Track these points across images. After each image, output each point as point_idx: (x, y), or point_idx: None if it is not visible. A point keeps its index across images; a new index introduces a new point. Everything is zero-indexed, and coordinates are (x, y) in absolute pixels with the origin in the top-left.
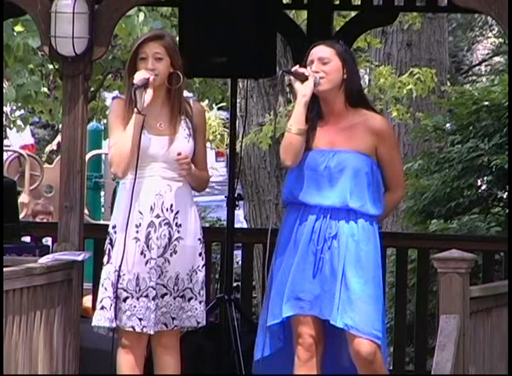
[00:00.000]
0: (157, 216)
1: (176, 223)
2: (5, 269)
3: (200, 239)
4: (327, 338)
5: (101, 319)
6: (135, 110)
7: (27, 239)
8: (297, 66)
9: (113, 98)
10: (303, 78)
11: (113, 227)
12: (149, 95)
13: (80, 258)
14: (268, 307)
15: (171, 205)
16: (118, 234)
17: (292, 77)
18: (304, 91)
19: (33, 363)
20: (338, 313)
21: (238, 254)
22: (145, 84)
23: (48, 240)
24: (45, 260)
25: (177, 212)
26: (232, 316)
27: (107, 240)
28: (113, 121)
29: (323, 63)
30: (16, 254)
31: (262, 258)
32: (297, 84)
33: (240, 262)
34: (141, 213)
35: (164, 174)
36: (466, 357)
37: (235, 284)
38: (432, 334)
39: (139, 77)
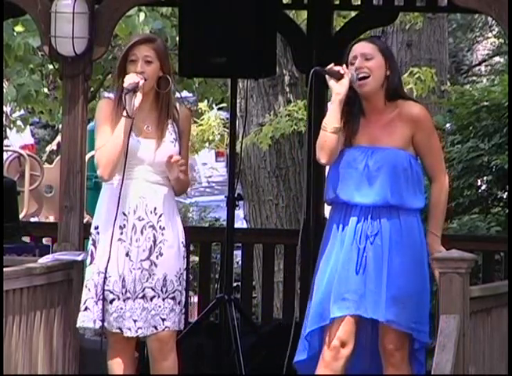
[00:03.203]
0: (141, 219)
1: (160, 226)
2: (5, 269)
3: (183, 242)
4: (361, 339)
5: (85, 320)
6: (124, 113)
7: (27, 239)
8: (332, 64)
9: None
10: (338, 76)
11: (96, 228)
12: (138, 98)
13: (80, 258)
14: (314, 308)
15: (155, 208)
16: (101, 235)
17: (327, 76)
18: (338, 89)
19: (33, 363)
20: (383, 310)
21: (238, 254)
22: (134, 88)
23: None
24: (45, 260)
25: (160, 215)
26: (232, 316)
27: (90, 241)
28: (101, 122)
29: (366, 59)
30: (16, 254)
31: (262, 259)
32: (331, 83)
33: (240, 262)
34: (124, 215)
35: (149, 177)
36: (466, 357)
37: (235, 284)
38: (432, 334)
39: (129, 80)
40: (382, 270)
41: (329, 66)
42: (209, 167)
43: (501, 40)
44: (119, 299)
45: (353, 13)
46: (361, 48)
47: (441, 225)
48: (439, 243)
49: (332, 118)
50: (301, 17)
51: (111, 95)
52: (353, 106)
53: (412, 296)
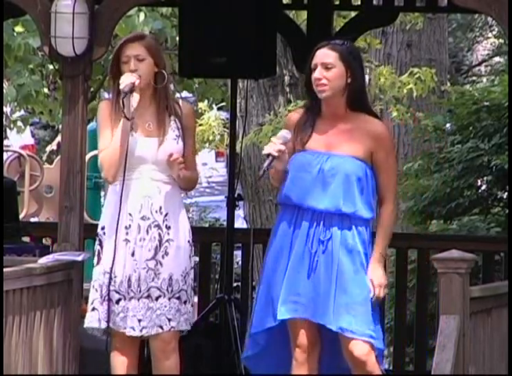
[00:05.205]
0: (146, 218)
1: (166, 225)
2: (5, 269)
3: (189, 241)
4: (324, 339)
5: (92, 320)
6: (123, 115)
7: (27, 239)
8: (265, 164)
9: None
10: (276, 159)
11: (102, 229)
12: (135, 99)
13: (80, 258)
14: (263, 308)
15: (160, 207)
16: (107, 235)
17: (271, 165)
18: (281, 166)
19: (33, 364)
20: (333, 317)
21: (238, 255)
22: (131, 89)
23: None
24: (45, 260)
25: (166, 214)
26: (232, 316)
27: (96, 242)
28: (101, 124)
29: (326, 69)
30: (16, 254)
31: (262, 259)
32: (274, 164)
33: (240, 262)
34: (130, 215)
35: (153, 176)
36: (466, 357)
37: (235, 284)
38: (432, 335)
39: (125, 82)
40: (332, 276)
41: (266, 164)
42: (209, 167)
43: (501, 40)
44: (125, 299)
45: (353, 13)
46: (322, 56)
47: (386, 248)
48: (383, 263)
49: (281, 179)
50: (301, 17)
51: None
52: (313, 108)
53: (363, 303)
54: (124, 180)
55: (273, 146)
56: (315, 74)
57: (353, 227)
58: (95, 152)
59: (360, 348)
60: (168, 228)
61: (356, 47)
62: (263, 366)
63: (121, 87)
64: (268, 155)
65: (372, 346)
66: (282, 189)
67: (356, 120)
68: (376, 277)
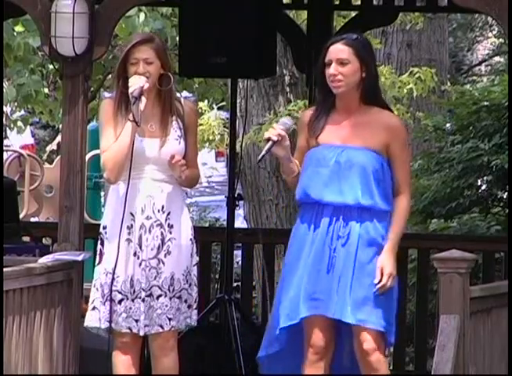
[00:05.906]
0: (149, 218)
1: (168, 224)
2: (5, 269)
3: (191, 239)
4: (339, 338)
5: (92, 319)
6: (131, 118)
7: (27, 239)
8: (268, 145)
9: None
10: (276, 143)
11: (104, 228)
12: (143, 103)
13: (80, 258)
14: (283, 306)
15: (163, 206)
16: (109, 235)
17: (270, 151)
18: (281, 152)
19: (33, 364)
20: (350, 311)
21: (238, 254)
22: (140, 94)
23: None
24: (45, 260)
25: (168, 213)
26: (232, 316)
27: (98, 241)
28: (104, 123)
29: (341, 64)
30: (16, 254)
31: (263, 258)
32: (275, 151)
33: (240, 262)
34: (132, 215)
35: (155, 176)
36: (466, 357)
37: (235, 284)
38: (432, 334)
39: (134, 87)
40: (350, 270)
41: (266, 148)
42: (209, 167)
43: (501, 40)
44: (127, 299)
45: (353, 13)
46: (337, 52)
47: (399, 238)
48: (395, 253)
49: (288, 169)
50: (301, 17)
51: (111, 95)
52: (325, 103)
53: (381, 296)
54: (129, 180)
55: (273, 131)
56: (331, 70)
57: (374, 220)
58: (95, 152)
59: (369, 343)
60: (171, 227)
61: (368, 40)
62: (278, 369)
63: (130, 91)
64: (268, 140)
65: (383, 340)
66: (299, 187)
67: (370, 113)
68: (386, 266)
